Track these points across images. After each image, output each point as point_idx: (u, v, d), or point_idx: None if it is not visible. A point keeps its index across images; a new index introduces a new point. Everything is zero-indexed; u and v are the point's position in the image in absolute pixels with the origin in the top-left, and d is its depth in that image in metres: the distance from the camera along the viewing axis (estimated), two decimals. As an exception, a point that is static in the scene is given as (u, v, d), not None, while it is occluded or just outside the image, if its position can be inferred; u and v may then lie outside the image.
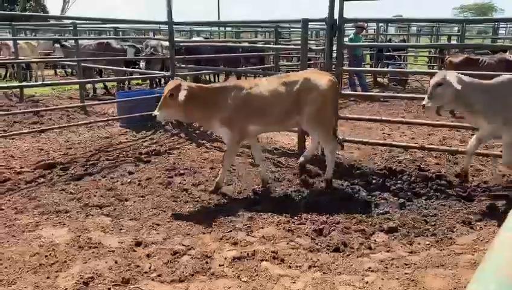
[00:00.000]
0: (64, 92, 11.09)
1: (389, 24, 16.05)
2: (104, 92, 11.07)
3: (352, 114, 8.20)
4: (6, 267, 2.98)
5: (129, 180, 4.78)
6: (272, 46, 10.86)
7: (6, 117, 7.42)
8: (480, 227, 3.67)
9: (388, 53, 13.70)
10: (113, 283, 2.80)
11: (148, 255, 3.16)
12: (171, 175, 4.92)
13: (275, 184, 4.69)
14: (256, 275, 2.93)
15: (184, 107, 4.15)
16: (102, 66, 10.33)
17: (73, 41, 9.23)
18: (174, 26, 7.23)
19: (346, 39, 10.20)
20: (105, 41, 10.57)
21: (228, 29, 19.23)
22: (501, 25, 16.76)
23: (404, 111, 9.13)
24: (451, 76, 3.96)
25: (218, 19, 31.15)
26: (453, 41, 13.78)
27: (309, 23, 5.76)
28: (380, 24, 13.74)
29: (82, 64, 8.92)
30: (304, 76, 4.49)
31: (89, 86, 10.74)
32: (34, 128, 6.77)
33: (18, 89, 9.83)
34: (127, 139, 6.53)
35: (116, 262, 3.04)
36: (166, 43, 8.42)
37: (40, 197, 4.29)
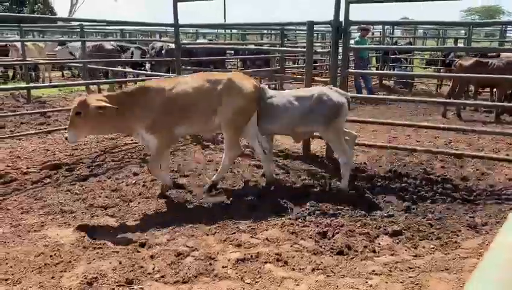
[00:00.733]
0: (71, 93, 11.17)
1: (395, 26, 16.01)
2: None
3: (358, 117, 8.18)
4: (11, 267, 3.00)
5: (134, 181, 4.80)
6: (277, 48, 10.86)
7: (13, 118, 7.49)
8: (486, 231, 3.64)
9: (394, 56, 13.66)
10: (116, 284, 2.81)
11: (152, 256, 3.17)
12: (176, 177, 4.94)
13: (279, 186, 4.67)
14: (260, 277, 2.93)
15: (98, 121, 3.92)
16: (98, 67, 10.36)
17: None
18: (180, 28, 7.26)
19: (352, 42, 10.19)
20: (98, 43, 10.68)
21: (234, 31, 19.25)
22: (508, 28, 16.65)
23: (410, 114, 9.10)
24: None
25: (224, 20, 31.22)
26: (460, 44, 13.70)
27: (315, 26, 5.75)
28: (386, 26, 13.71)
29: (88, 66, 8.98)
30: (229, 76, 4.38)
31: (94, 87, 10.80)
32: (40, 129, 6.83)
33: (25, 90, 9.92)
34: (132, 140, 6.55)
35: (120, 263, 3.06)
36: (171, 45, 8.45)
37: (45, 198, 4.32)
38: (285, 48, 10.88)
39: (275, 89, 11.80)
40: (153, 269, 3.00)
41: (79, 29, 9.51)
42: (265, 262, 3.11)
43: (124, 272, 2.95)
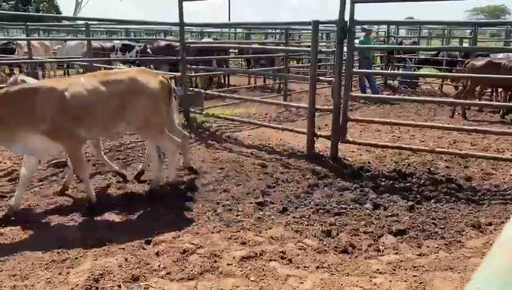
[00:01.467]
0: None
1: (400, 26, 15.98)
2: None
3: (362, 116, 8.19)
4: (19, 263, 3.04)
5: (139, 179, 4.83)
6: (282, 47, 10.88)
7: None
8: (490, 231, 3.65)
9: (399, 55, 13.64)
10: (123, 280, 2.84)
11: (157, 253, 3.20)
12: (181, 175, 4.97)
13: (284, 185, 4.70)
14: (264, 274, 2.95)
15: None
16: (100, 66, 10.39)
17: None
18: (185, 27, 7.30)
19: (356, 41, 10.18)
20: (85, 42, 10.75)
21: (239, 30, 19.29)
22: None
23: (415, 114, 9.09)
24: None
25: (229, 20, 31.25)
26: (465, 44, 13.65)
27: (320, 25, 5.76)
28: (391, 26, 13.69)
29: (94, 64, 9.02)
30: (130, 75, 4.01)
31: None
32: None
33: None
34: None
35: (126, 259, 3.09)
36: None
37: (52, 195, 4.36)
38: (289, 48, 10.89)
39: (279, 88, 11.83)
40: (159, 265, 3.03)
41: (84, 28, 9.56)
42: (270, 260, 3.13)
43: (130, 268, 2.98)
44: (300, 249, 3.34)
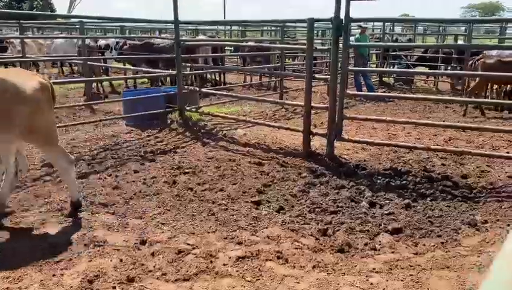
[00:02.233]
0: (71, 90, 11.15)
1: (395, 23, 15.98)
2: (110, 90, 11.12)
3: (358, 114, 8.18)
4: (12, 265, 3.00)
5: (134, 179, 4.80)
6: (277, 45, 10.85)
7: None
8: (486, 229, 3.65)
9: (394, 53, 13.64)
10: (117, 281, 2.82)
11: (152, 254, 3.17)
12: (176, 174, 4.94)
13: (280, 184, 4.68)
14: (261, 274, 2.93)
15: None
16: (73, 61, 10.35)
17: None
18: (180, 25, 7.25)
19: (352, 39, 10.16)
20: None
21: (234, 28, 19.23)
22: (508, 25, 16.61)
23: (410, 111, 9.10)
24: None
25: (224, 18, 31.16)
26: (460, 41, 13.67)
27: (315, 23, 5.73)
28: (386, 23, 13.69)
29: (89, 62, 8.96)
30: (1, 77, 3.43)
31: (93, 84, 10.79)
32: (40, 126, 6.80)
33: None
34: (132, 137, 6.56)
35: (121, 260, 3.06)
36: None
37: (46, 195, 4.31)
38: (285, 45, 10.86)
39: (275, 86, 11.79)
40: (154, 266, 3.00)
41: (79, 26, 9.48)
42: (266, 260, 3.11)
43: (125, 269, 2.95)
44: (296, 248, 3.33)
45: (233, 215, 3.90)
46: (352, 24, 7.66)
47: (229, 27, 19.97)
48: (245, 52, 12.70)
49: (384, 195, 4.40)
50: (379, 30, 14.85)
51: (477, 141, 6.48)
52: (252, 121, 7.11)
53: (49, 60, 12.74)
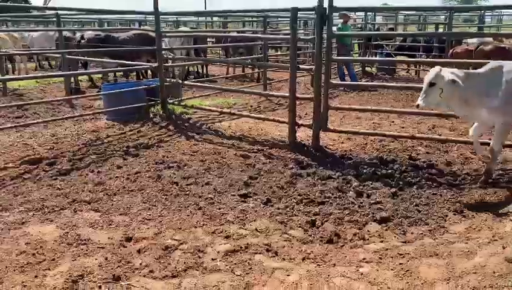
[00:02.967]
0: (48, 84, 10.86)
1: (377, 13, 16.02)
2: (90, 84, 10.86)
3: (342, 104, 8.19)
4: (-8, 267, 2.89)
5: (117, 174, 4.69)
6: (260, 35, 10.74)
7: (-11, 111, 7.22)
8: (472, 215, 3.68)
9: (376, 42, 13.69)
10: (103, 280, 2.74)
11: (139, 251, 3.10)
12: (161, 168, 4.84)
13: (267, 176, 4.63)
14: (250, 268, 2.89)
15: None
16: (76, 57, 10.03)
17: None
18: (160, 16, 7.09)
19: (334, 28, 10.13)
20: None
21: (215, 19, 18.97)
22: (487, 13, 16.86)
23: (393, 100, 9.14)
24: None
25: (205, 8, 30.79)
26: (440, 30, 13.80)
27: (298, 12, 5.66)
28: (368, 13, 13.71)
29: (67, 56, 8.70)
30: None
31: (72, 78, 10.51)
32: (18, 123, 6.60)
33: (1, 83, 9.57)
34: (114, 132, 6.41)
35: (106, 259, 2.98)
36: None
37: (26, 194, 4.18)
38: (268, 36, 10.76)
39: (258, 77, 11.71)
40: (141, 264, 2.93)
41: (55, 19, 9.18)
42: (255, 253, 3.08)
43: (110, 268, 2.87)
44: (285, 240, 3.30)
45: (220, 209, 3.84)
46: (334, 14, 7.62)
47: (210, 18, 19.70)
48: (227, 44, 12.56)
49: (371, 184, 4.40)
50: (361, 20, 14.85)
51: (460, 128, 6.54)
52: (236, 113, 7.03)
53: (25, 54, 12.36)
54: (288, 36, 5.80)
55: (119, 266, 2.90)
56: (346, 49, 11.15)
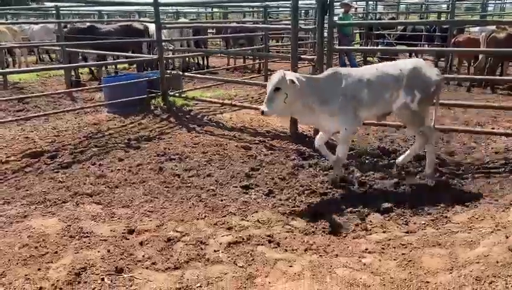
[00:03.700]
0: (49, 78, 10.82)
1: (378, 2, 15.88)
2: (90, 77, 10.83)
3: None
4: (-5, 260, 2.90)
5: (119, 167, 4.68)
6: (261, 26, 10.66)
7: (-11, 105, 7.21)
8: (475, 205, 3.67)
9: (378, 32, 13.57)
10: (106, 273, 2.73)
11: (141, 243, 3.09)
12: (162, 161, 4.84)
13: (269, 167, 4.62)
14: (253, 259, 2.89)
15: None
16: (77, 50, 9.95)
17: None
18: (160, 8, 7.04)
19: (335, 18, 10.04)
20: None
21: (215, 10, 18.86)
22: (490, 1, 16.69)
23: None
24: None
25: (205, -1, 30.53)
26: (443, 19, 13.66)
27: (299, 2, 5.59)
28: (369, 2, 13.58)
29: (66, 48, 8.66)
30: None
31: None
32: (19, 116, 6.60)
33: (1, 76, 9.55)
34: (115, 125, 6.39)
35: (108, 251, 2.97)
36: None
37: (28, 187, 4.18)
38: (269, 26, 10.68)
39: (259, 68, 11.64)
40: (143, 256, 2.93)
41: (54, 11, 9.12)
42: (258, 244, 3.07)
43: (113, 260, 2.87)
44: (287, 231, 3.29)
45: (222, 200, 3.84)
46: (335, 3, 7.54)
47: (210, 9, 19.57)
48: (228, 35, 12.47)
49: (373, 175, 4.38)
50: (362, 9, 14.72)
51: (463, 117, 6.51)
52: (238, 105, 7.00)
53: (25, 46, 12.31)
54: (289, 26, 5.74)
55: (121, 259, 2.89)
56: (348, 39, 11.06)
